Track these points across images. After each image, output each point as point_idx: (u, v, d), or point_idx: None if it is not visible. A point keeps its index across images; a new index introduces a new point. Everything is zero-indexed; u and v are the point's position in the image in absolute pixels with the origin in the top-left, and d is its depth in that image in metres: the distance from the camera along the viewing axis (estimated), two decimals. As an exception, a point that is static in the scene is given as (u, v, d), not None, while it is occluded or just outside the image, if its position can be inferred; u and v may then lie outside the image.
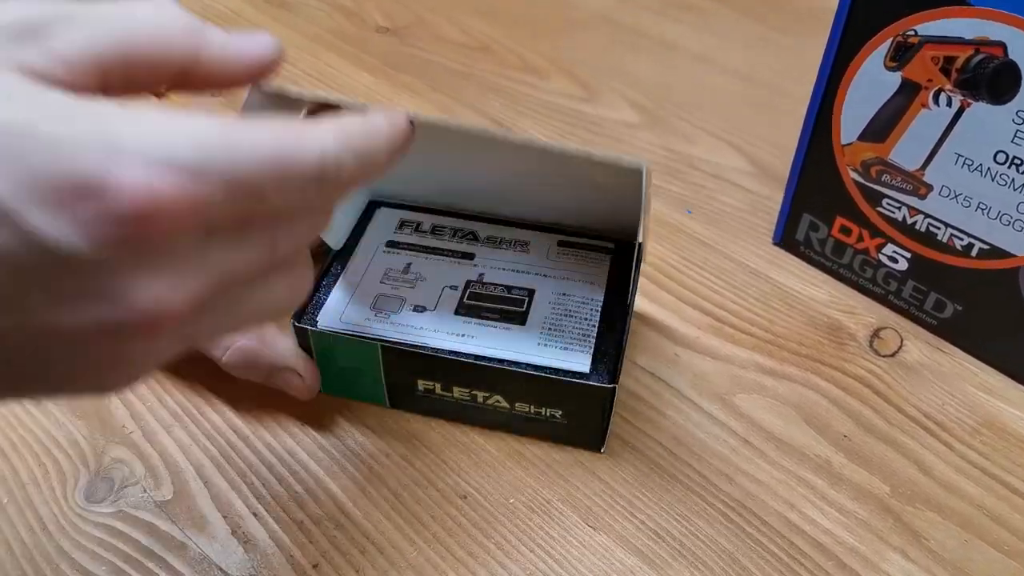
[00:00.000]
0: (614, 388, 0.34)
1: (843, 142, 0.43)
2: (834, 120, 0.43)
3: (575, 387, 0.35)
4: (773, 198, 0.53)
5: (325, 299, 0.38)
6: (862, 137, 0.42)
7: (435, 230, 0.41)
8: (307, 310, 0.37)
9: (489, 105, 0.60)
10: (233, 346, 0.36)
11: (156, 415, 0.38)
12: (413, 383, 0.37)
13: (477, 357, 0.35)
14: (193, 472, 0.36)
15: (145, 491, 0.35)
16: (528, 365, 0.35)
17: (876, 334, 0.44)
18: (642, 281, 0.46)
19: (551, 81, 0.63)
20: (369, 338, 0.36)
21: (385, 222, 0.42)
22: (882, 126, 0.41)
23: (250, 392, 0.39)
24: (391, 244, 0.41)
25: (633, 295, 0.38)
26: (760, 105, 0.62)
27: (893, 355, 0.43)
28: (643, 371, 0.42)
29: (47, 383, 0.20)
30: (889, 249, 0.44)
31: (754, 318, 0.45)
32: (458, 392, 0.37)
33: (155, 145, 0.17)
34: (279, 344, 0.37)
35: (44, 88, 0.19)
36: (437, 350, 0.36)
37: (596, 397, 0.35)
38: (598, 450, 0.38)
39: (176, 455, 0.36)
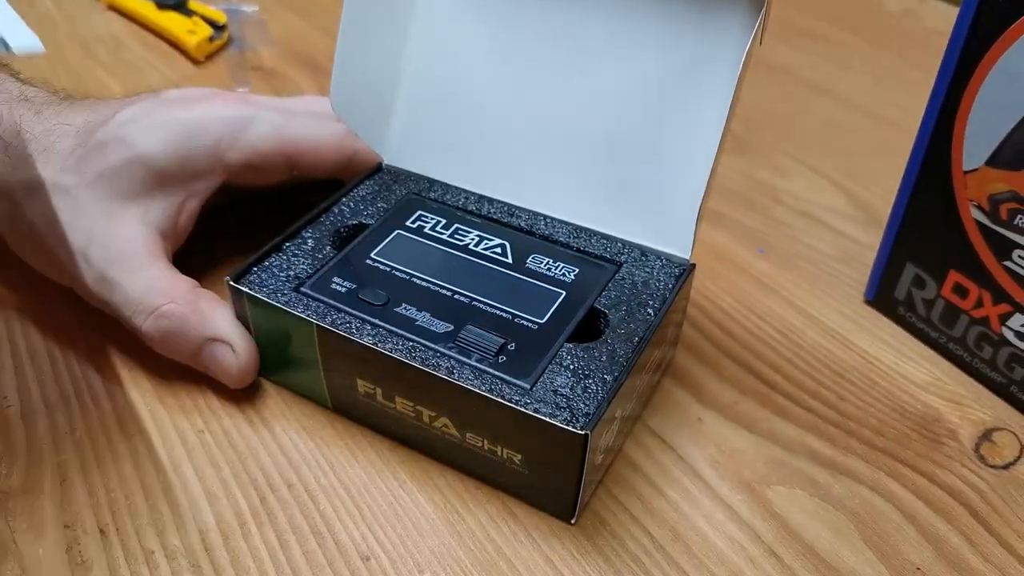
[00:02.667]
0: (586, 436, 0.25)
1: (965, 168, 0.32)
2: (954, 140, 0.32)
3: (534, 423, 0.26)
4: (874, 248, 0.42)
5: (286, 262, 0.31)
6: (992, 162, 0.31)
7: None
8: (252, 268, 0.31)
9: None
10: (157, 311, 0.30)
11: (44, 392, 0.32)
12: (353, 383, 0.29)
13: (424, 362, 0.27)
14: (54, 466, 0.29)
15: (-7, 478, 0.29)
16: (481, 382, 0.27)
17: (987, 436, 0.32)
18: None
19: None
20: (304, 317, 0.29)
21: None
22: (1022, 147, 0.30)
23: (169, 374, 0.32)
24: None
25: (656, 323, 0.29)
26: (881, 144, 0.51)
27: (1006, 467, 0.31)
28: (651, 433, 0.32)
29: None
30: (1017, 321, 0.32)
31: (818, 390, 0.34)
32: (401, 404, 0.29)
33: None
34: (211, 308, 0.31)
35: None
36: (376, 344, 0.28)
37: (564, 445, 0.26)
38: (567, 520, 0.28)
39: (45, 442, 0.30)
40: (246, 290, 0.30)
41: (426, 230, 0.33)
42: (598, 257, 0.33)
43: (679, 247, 0.32)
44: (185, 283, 0.31)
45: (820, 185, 0.47)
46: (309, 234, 0.33)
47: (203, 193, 0.34)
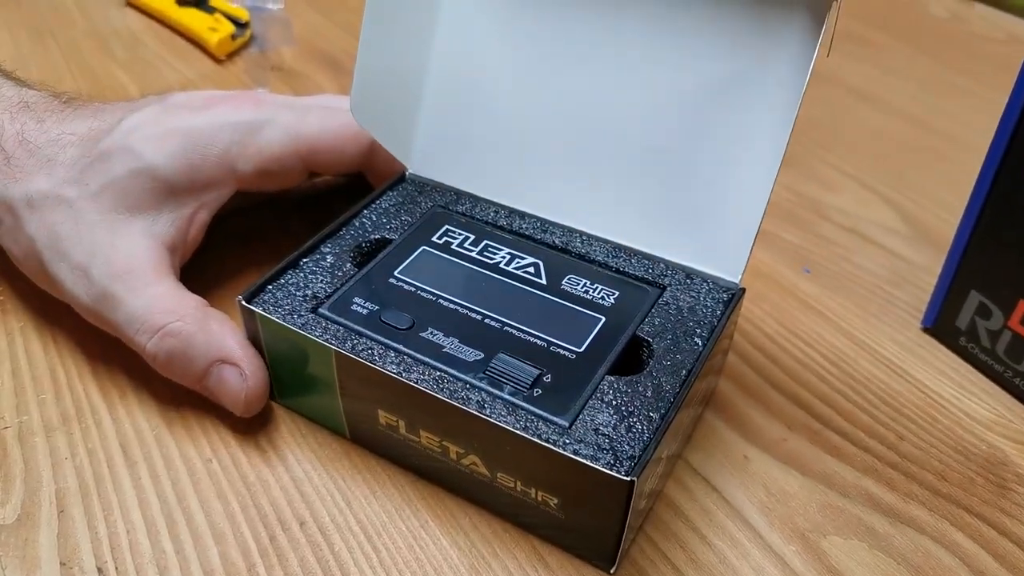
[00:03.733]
0: (632, 483, 0.23)
1: (1045, 191, 0.29)
2: (1034, 158, 0.29)
3: (573, 466, 0.23)
4: (930, 270, 0.40)
5: (303, 279, 0.29)
6: (1077, 185, 0.28)
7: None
8: (266, 287, 0.28)
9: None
10: (162, 330, 0.28)
11: (44, 412, 0.30)
12: (374, 413, 0.27)
13: (452, 395, 0.25)
14: (52, 495, 0.27)
15: (-14, 508, 0.27)
16: (515, 419, 0.24)
17: (1063, 483, 0.30)
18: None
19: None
20: (322, 342, 0.26)
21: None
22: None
23: (177, 395, 0.30)
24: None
25: (705, 353, 0.27)
26: (930, 155, 0.49)
27: (1089, 522, 0.28)
28: (693, 472, 0.29)
29: None
30: (1101, 359, 0.29)
31: (875, 427, 0.32)
32: (426, 439, 0.26)
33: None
34: (220, 327, 0.29)
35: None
36: (400, 374, 0.25)
37: (606, 490, 0.23)
38: (606, 570, 0.26)
39: (43, 468, 0.28)
40: (259, 311, 0.28)
41: (453, 247, 0.31)
42: (639, 279, 0.30)
43: (728, 270, 0.30)
44: (192, 301, 0.29)
45: (867, 199, 0.45)
46: (328, 249, 0.31)
47: (214, 203, 0.32)
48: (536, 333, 0.28)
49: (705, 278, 0.30)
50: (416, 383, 0.25)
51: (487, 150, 0.33)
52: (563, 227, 0.32)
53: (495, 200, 0.33)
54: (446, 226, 0.32)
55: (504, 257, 0.31)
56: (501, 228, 0.32)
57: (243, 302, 0.28)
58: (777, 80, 0.27)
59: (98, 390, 0.31)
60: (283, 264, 0.29)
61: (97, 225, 0.29)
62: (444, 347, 0.27)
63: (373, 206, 0.33)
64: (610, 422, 0.25)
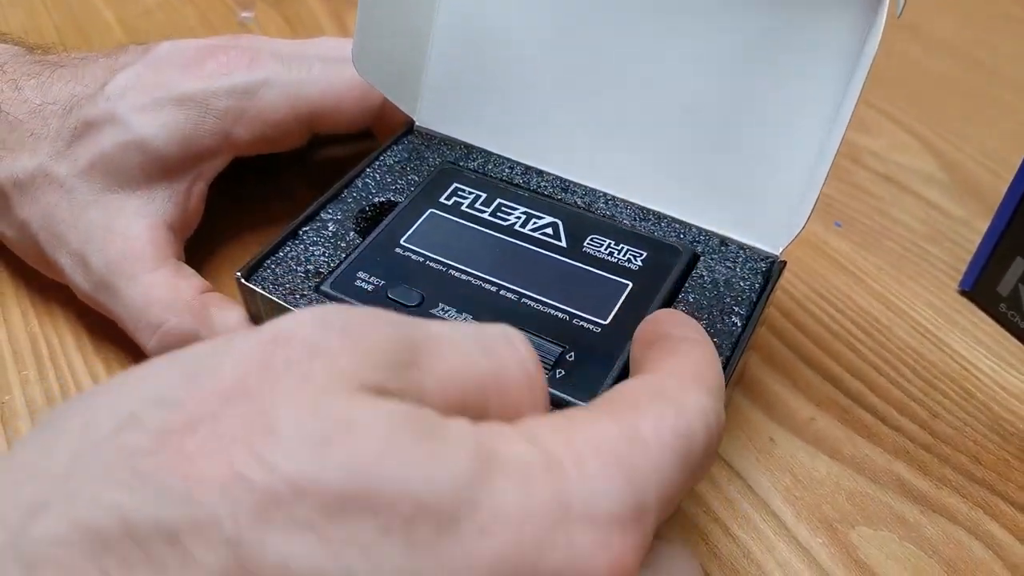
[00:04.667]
0: None
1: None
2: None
3: None
4: (970, 224, 0.37)
5: (303, 252, 0.27)
6: None
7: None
8: (265, 262, 0.26)
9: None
10: (161, 328, 0.26)
11: (28, 392, 0.28)
12: None
13: None
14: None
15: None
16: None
17: (1107, 471, 0.28)
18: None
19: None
20: None
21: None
22: None
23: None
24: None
25: (746, 336, 0.25)
26: (973, 94, 0.45)
27: None
28: (717, 458, 0.28)
29: None
30: None
31: (907, 404, 0.30)
32: None
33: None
34: (223, 319, 0.27)
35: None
36: None
37: None
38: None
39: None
40: (259, 290, 0.25)
41: (463, 207, 0.28)
42: (667, 242, 0.28)
43: (768, 240, 0.27)
44: (188, 289, 0.27)
45: (905, 143, 0.42)
46: (329, 215, 0.28)
47: (211, 172, 0.29)
48: (556, 304, 0.25)
49: (742, 246, 0.28)
50: None
51: (502, 102, 0.30)
52: (585, 187, 0.29)
53: (510, 156, 0.30)
54: (455, 184, 0.29)
55: (519, 218, 0.28)
56: (515, 186, 0.29)
57: (242, 280, 0.26)
58: (830, 44, 0.24)
59: (83, 364, 0.29)
60: (282, 235, 0.27)
61: (91, 206, 0.27)
62: None
63: (377, 163, 0.30)
64: None
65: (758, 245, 0.27)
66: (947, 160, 0.41)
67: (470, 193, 0.29)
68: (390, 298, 0.25)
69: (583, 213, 0.28)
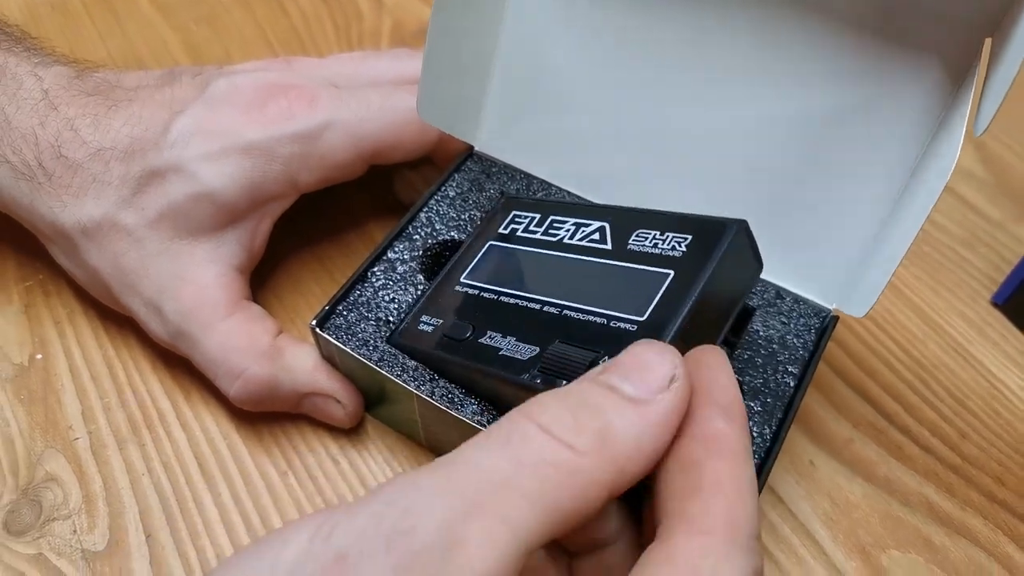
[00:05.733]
0: None
1: None
2: None
3: None
4: (1006, 228, 0.38)
5: (373, 297, 0.28)
6: None
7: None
8: (337, 310, 0.27)
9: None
10: (242, 376, 0.27)
11: (112, 420, 0.30)
12: (452, 441, 0.27)
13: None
14: (136, 517, 0.28)
15: (75, 531, 0.27)
16: None
17: (1120, 498, 0.30)
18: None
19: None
20: (403, 385, 0.26)
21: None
22: None
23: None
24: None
25: (799, 397, 0.26)
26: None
27: None
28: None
29: None
30: None
31: (938, 424, 0.32)
32: None
33: None
34: (300, 362, 0.28)
35: None
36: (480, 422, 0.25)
37: None
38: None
39: (122, 486, 0.28)
40: (334, 341, 0.26)
41: (519, 233, 0.28)
42: (712, 219, 0.24)
43: (825, 294, 0.28)
44: (264, 335, 0.28)
45: (946, 132, 0.42)
46: (396, 254, 0.29)
47: (276, 213, 0.30)
48: (594, 309, 0.24)
49: (797, 299, 0.28)
50: (477, 423, 0.25)
51: (560, 137, 0.30)
52: None
53: (569, 190, 0.31)
54: (514, 212, 0.29)
55: (569, 230, 0.27)
56: (569, 201, 0.29)
57: (316, 329, 0.27)
58: (909, 118, 0.24)
59: (160, 387, 0.30)
60: (352, 278, 0.28)
61: (161, 255, 0.28)
62: (501, 350, 0.24)
63: (439, 194, 0.30)
64: None
65: (813, 298, 0.28)
66: (987, 153, 0.41)
67: (525, 217, 0.29)
68: (445, 336, 0.26)
69: (631, 210, 0.26)
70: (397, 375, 0.26)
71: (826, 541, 0.29)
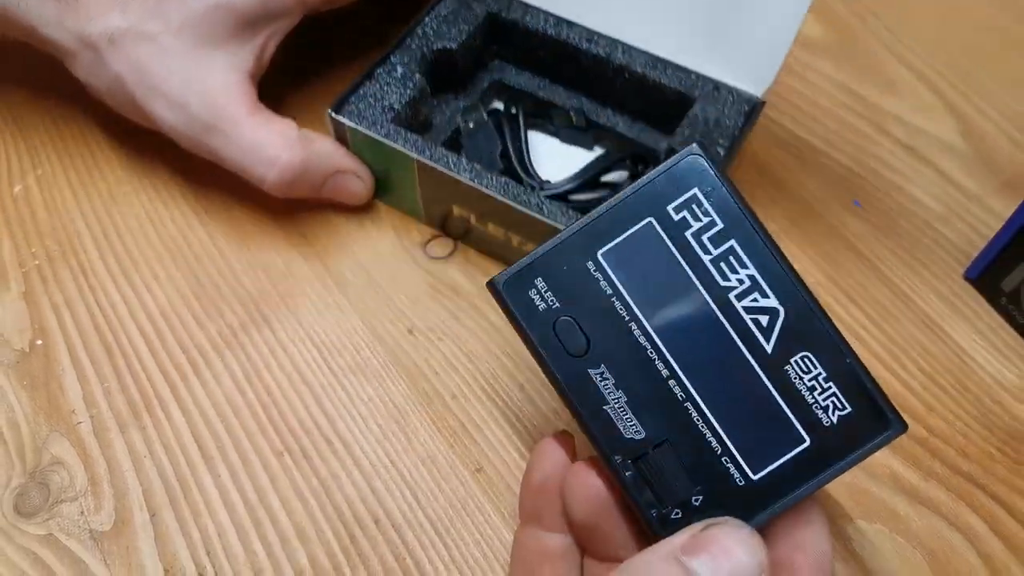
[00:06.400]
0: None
1: None
2: None
3: None
4: (983, 202, 0.39)
5: (379, 90, 0.34)
6: None
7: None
8: (349, 99, 0.33)
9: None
10: (278, 162, 0.31)
11: (113, 404, 0.31)
12: (448, 208, 0.34)
13: (517, 198, 0.31)
14: (140, 497, 0.29)
15: (83, 512, 0.29)
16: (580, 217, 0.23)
17: (1077, 468, 0.32)
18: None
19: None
20: (405, 150, 0.32)
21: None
22: None
23: (232, 376, 0.31)
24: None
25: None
26: (1008, 47, 0.44)
27: (1094, 518, 0.31)
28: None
29: None
30: None
31: (906, 396, 0.33)
32: (493, 229, 0.33)
33: None
34: (326, 147, 0.33)
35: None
36: (473, 181, 0.31)
37: None
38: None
39: (126, 468, 0.30)
40: (348, 123, 0.32)
41: (688, 232, 0.22)
42: (882, 406, 0.22)
43: (754, 84, 0.34)
44: (290, 128, 0.32)
45: (931, 106, 0.42)
46: (397, 59, 0.34)
47: (284, 31, 0.33)
48: (717, 428, 0.22)
49: (730, 90, 0.34)
50: (485, 188, 0.31)
51: None
52: (608, 38, 0.35)
53: (544, 8, 0.36)
54: (695, 190, 0.22)
55: (742, 282, 0.22)
56: (763, 231, 0.23)
57: (332, 114, 0.32)
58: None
59: (159, 371, 0.31)
60: (361, 76, 0.33)
61: (184, 58, 0.30)
62: (607, 402, 0.22)
63: (432, 13, 0.36)
64: None
65: (744, 88, 0.34)
66: (968, 124, 0.41)
67: (706, 216, 0.22)
68: (554, 331, 0.23)
69: (813, 312, 0.22)
70: (401, 144, 0.32)
71: (796, 513, 0.30)
